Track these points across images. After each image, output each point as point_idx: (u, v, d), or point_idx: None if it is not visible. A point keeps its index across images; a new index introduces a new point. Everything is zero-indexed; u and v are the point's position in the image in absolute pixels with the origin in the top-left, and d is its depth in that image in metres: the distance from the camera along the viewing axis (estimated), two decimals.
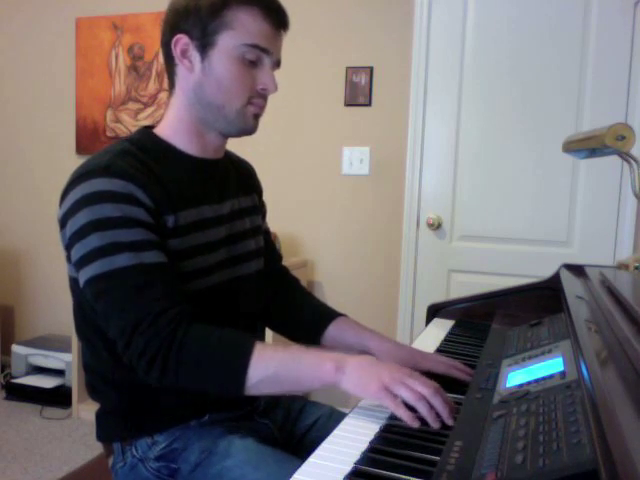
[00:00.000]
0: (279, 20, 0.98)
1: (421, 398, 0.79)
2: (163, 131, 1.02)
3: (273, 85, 0.99)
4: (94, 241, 0.87)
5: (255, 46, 0.95)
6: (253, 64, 0.97)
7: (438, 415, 0.79)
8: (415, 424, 0.77)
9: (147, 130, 1.03)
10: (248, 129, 1.01)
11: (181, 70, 0.99)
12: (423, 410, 0.78)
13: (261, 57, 0.97)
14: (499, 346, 1.07)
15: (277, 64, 1.01)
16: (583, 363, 0.66)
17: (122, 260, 0.87)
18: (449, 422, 0.78)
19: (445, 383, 0.94)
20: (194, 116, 1.00)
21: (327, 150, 2.60)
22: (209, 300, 1.00)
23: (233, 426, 1.00)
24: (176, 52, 0.97)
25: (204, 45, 0.96)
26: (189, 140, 1.02)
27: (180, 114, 1.01)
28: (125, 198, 0.89)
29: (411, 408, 0.79)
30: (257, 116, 1.01)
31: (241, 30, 0.94)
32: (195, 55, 0.97)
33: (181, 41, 0.96)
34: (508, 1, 2.31)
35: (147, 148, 0.98)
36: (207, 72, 0.96)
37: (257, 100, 0.99)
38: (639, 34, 2.15)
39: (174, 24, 0.98)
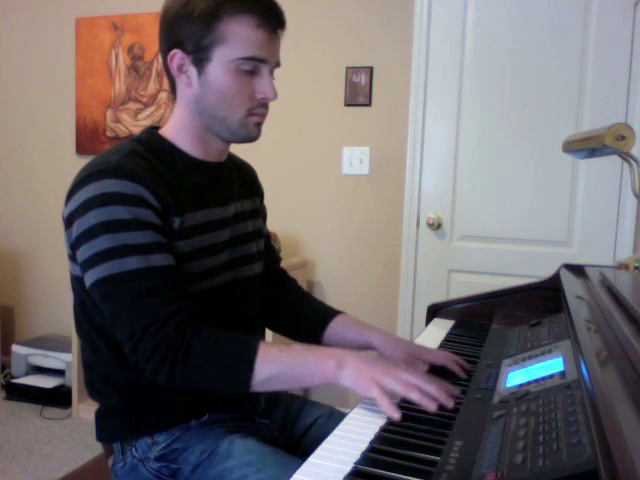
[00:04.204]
0: (274, 23, 0.95)
1: (410, 387, 0.81)
2: (168, 133, 1.02)
3: (273, 93, 0.97)
4: (104, 242, 0.87)
5: (251, 58, 0.94)
6: (251, 73, 0.96)
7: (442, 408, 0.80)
8: (396, 415, 0.78)
9: (154, 131, 1.03)
10: (251, 137, 1.01)
11: (180, 83, 0.99)
12: (414, 397, 0.80)
13: (258, 66, 0.96)
14: (499, 346, 1.07)
15: (277, 65, 1.00)
16: (583, 363, 0.66)
17: (131, 263, 0.87)
18: (449, 404, 0.80)
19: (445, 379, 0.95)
20: (197, 125, 1.00)
21: (327, 150, 2.60)
22: (212, 301, 1.01)
23: (233, 426, 1.00)
24: (172, 67, 0.96)
25: (199, 60, 0.94)
26: (193, 144, 1.02)
27: (183, 121, 1.01)
28: (135, 200, 0.89)
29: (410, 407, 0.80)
30: (259, 124, 1.01)
31: (235, 43, 0.93)
32: (192, 69, 0.96)
33: (177, 56, 0.95)
34: (508, 1, 2.30)
35: (155, 149, 0.98)
36: (206, 86, 0.96)
37: (258, 110, 0.99)
38: (639, 34, 2.15)
39: (168, 35, 0.96)
